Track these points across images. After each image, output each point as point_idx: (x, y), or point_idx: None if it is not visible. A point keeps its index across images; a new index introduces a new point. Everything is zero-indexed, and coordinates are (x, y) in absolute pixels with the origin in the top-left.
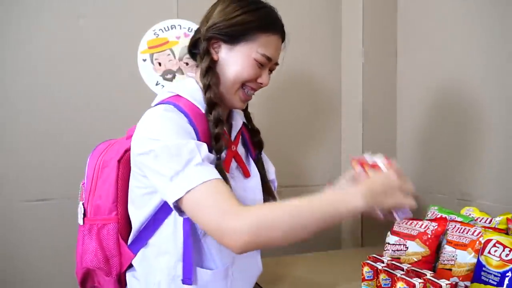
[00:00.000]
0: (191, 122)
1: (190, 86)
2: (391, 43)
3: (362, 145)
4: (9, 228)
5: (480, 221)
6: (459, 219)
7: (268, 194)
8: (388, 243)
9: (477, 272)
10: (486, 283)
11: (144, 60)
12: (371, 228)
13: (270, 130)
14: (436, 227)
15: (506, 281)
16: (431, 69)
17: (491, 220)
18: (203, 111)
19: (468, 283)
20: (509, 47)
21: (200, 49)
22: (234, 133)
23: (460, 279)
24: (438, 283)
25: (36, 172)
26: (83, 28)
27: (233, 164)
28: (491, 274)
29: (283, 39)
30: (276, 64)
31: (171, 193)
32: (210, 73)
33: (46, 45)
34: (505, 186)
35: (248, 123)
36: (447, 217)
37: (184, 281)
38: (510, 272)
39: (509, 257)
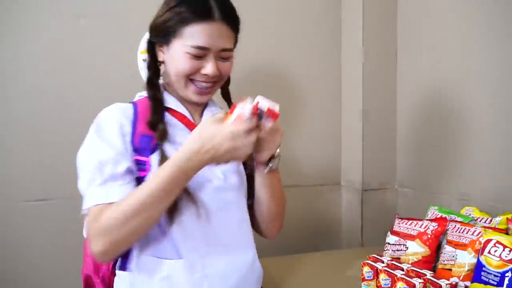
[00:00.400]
0: (135, 115)
1: None
2: (391, 43)
3: (362, 145)
4: (9, 228)
5: (480, 221)
6: (459, 219)
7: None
8: (388, 243)
9: (477, 272)
10: (486, 283)
11: (144, 60)
12: (371, 228)
13: None
14: (436, 227)
15: (506, 281)
16: (431, 69)
17: (491, 220)
18: (166, 105)
19: (468, 283)
20: (508, 47)
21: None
22: (204, 118)
23: (460, 279)
24: (438, 283)
25: (36, 172)
26: (83, 28)
27: None
28: (491, 274)
29: (228, 23)
30: (225, 50)
31: (83, 204)
32: (150, 71)
33: (46, 45)
34: (505, 186)
35: None
36: (447, 217)
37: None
38: (510, 272)
39: (509, 257)
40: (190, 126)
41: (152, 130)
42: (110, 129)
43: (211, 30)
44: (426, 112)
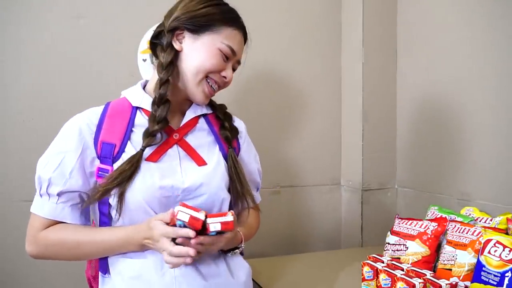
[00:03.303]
0: (100, 122)
1: (135, 86)
2: (391, 43)
3: (362, 145)
4: (9, 228)
5: (480, 221)
6: (459, 219)
7: (236, 193)
8: (388, 243)
9: (477, 272)
10: (486, 283)
11: (144, 60)
12: (371, 228)
13: (270, 130)
14: (436, 227)
15: (506, 281)
16: (431, 70)
17: (491, 220)
18: (135, 105)
19: (468, 283)
20: (508, 48)
21: (163, 41)
22: (183, 121)
23: (460, 279)
24: (438, 283)
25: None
26: (83, 28)
27: (181, 152)
28: (491, 274)
29: (245, 39)
30: (239, 63)
31: None
32: (171, 68)
33: (46, 45)
34: (505, 186)
35: (222, 117)
36: (447, 217)
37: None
38: (510, 272)
39: (509, 257)
40: (169, 130)
41: (145, 136)
42: (68, 143)
43: (241, 40)
44: (426, 112)
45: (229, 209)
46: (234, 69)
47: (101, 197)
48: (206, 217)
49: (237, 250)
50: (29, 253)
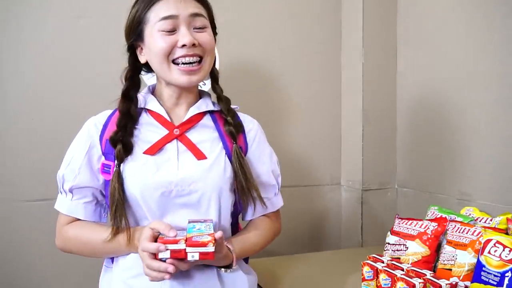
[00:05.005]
0: (107, 122)
1: (144, 90)
2: (391, 43)
3: (362, 145)
4: (9, 229)
5: (480, 221)
6: (459, 219)
7: (241, 189)
8: (388, 243)
9: (477, 272)
10: (486, 283)
11: None
12: (371, 228)
13: (270, 130)
14: (436, 227)
15: (506, 281)
16: (430, 69)
17: (491, 220)
18: (140, 106)
19: (468, 283)
20: (508, 47)
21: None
22: (186, 117)
23: (460, 279)
24: (438, 283)
25: (36, 172)
26: (83, 28)
27: (181, 146)
28: (491, 274)
29: None
30: (196, 15)
31: None
32: (126, 82)
33: (46, 45)
34: (505, 186)
35: (226, 111)
36: (447, 217)
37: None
38: (510, 272)
39: (509, 257)
40: (166, 124)
41: (112, 146)
42: (78, 143)
43: (174, 1)
44: (426, 112)
45: (234, 213)
46: (200, 28)
47: (121, 217)
48: (186, 244)
49: (229, 270)
50: (57, 246)
